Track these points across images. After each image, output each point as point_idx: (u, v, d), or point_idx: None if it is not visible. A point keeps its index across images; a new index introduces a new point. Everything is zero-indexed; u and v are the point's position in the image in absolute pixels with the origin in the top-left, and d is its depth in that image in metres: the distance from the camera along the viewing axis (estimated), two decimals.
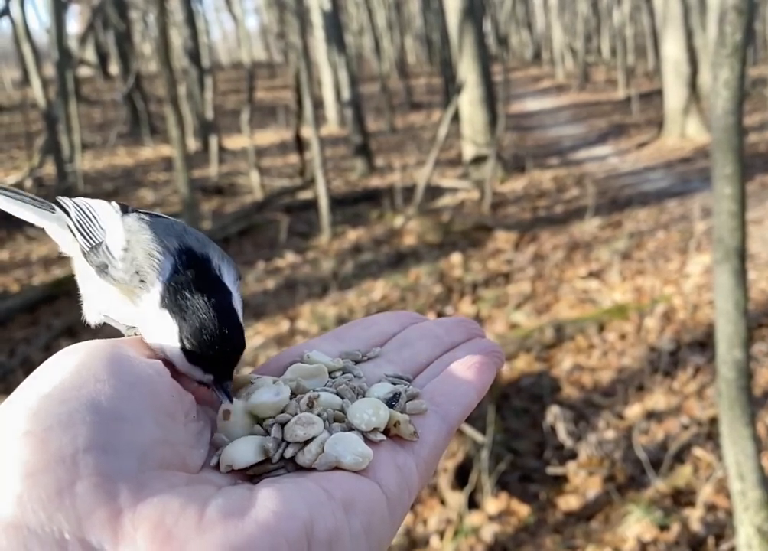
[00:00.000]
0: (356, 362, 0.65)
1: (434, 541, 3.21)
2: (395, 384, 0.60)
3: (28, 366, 5.11)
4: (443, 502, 3.41)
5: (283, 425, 0.54)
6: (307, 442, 0.52)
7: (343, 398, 0.57)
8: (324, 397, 0.57)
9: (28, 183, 10.30)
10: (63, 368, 0.48)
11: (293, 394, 0.58)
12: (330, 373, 0.62)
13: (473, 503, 3.37)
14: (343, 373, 0.62)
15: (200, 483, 0.47)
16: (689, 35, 11.88)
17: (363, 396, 0.58)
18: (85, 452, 0.43)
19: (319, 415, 0.55)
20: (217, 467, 0.51)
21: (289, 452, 0.52)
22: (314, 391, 0.58)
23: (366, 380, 0.61)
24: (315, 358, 0.63)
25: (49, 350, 5.55)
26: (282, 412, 0.56)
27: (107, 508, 0.41)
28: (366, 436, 0.53)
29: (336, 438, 0.52)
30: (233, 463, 0.50)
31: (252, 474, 0.51)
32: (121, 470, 0.43)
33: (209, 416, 0.56)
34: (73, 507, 0.41)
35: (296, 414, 0.55)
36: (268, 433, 0.54)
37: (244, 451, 0.51)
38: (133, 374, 0.49)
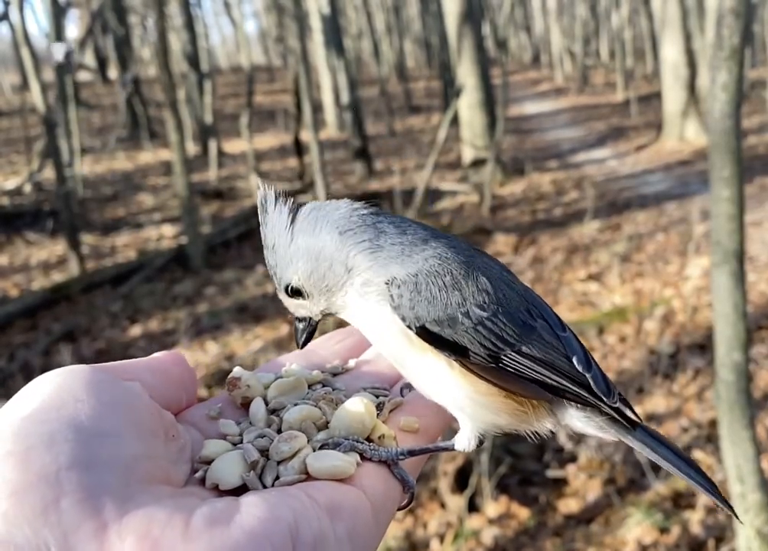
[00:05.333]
0: (335, 375, 0.67)
1: (435, 544, 3.20)
2: (377, 396, 0.62)
3: (28, 371, 5.10)
4: (443, 505, 3.40)
5: (265, 447, 0.55)
6: (291, 458, 0.53)
7: (321, 410, 0.59)
8: (305, 410, 0.58)
9: (27, 188, 10.30)
10: (43, 391, 0.48)
11: (274, 412, 0.60)
12: (309, 386, 0.64)
13: (473, 507, 3.36)
14: (323, 386, 0.64)
15: (185, 496, 0.48)
16: (688, 38, 11.89)
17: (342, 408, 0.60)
18: (68, 469, 0.43)
19: (300, 428, 0.57)
20: (202, 482, 0.52)
21: (273, 473, 0.53)
22: (294, 405, 0.60)
23: (346, 393, 0.63)
24: (293, 372, 0.64)
25: (48, 355, 5.54)
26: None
27: (93, 522, 0.42)
28: (348, 444, 0.55)
29: (316, 455, 0.53)
30: (219, 483, 0.51)
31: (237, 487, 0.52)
32: (105, 485, 0.44)
33: (190, 435, 0.56)
34: (58, 523, 0.41)
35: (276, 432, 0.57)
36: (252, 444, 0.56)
37: (231, 471, 0.52)
38: (112, 394, 0.49)
